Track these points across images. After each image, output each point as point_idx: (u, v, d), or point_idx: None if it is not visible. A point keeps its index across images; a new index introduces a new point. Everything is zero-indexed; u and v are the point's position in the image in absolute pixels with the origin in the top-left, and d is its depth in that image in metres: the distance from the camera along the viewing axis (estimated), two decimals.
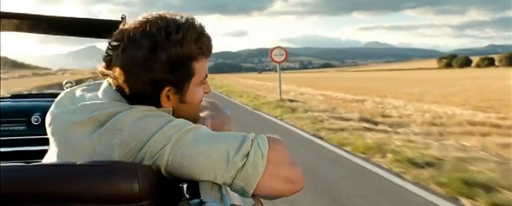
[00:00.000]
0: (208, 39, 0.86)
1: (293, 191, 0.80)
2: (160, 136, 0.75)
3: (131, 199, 0.67)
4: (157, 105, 0.84)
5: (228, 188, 0.86)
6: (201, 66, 0.86)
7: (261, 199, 0.91)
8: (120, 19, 1.46)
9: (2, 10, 1.30)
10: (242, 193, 0.78)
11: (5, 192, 0.64)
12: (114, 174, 0.68)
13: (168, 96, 0.84)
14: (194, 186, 0.76)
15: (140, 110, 0.80)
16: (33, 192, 0.65)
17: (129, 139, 0.75)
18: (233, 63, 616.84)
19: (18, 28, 1.49)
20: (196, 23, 0.84)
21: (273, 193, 0.79)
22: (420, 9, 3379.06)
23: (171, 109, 0.85)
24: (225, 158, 0.76)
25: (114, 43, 0.81)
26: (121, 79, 0.81)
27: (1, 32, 1.47)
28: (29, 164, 0.70)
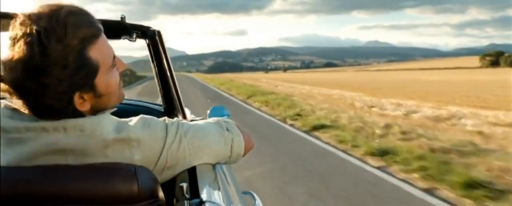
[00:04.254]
0: (83, 19, 0.74)
1: (252, 146, 1.01)
2: (171, 137, 0.83)
3: (131, 200, 0.67)
4: (73, 110, 0.75)
5: (227, 187, 0.87)
6: (101, 50, 0.76)
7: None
8: (119, 19, 1.46)
9: (2, 10, 1.29)
10: (236, 158, 0.96)
11: (5, 192, 0.64)
12: (113, 175, 0.69)
13: (82, 98, 0.76)
14: (194, 186, 0.77)
15: (128, 119, 0.82)
16: (32, 193, 0.65)
17: (148, 152, 0.79)
18: (234, 63, 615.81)
19: None
20: (61, 12, 0.71)
21: (247, 151, 0.99)
22: (420, 8, 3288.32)
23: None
24: (221, 134, 0.92)
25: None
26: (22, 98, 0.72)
27: (1, 33, 1.47)
28: (28, 165, 0.70)
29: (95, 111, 0.79)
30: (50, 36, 0.69)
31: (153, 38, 1.42)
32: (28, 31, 0.69)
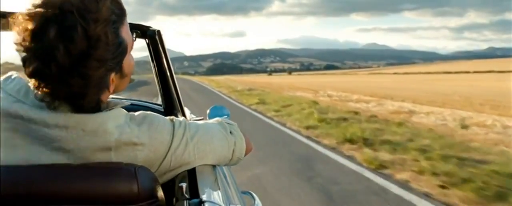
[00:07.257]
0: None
1: (251, 148, 1.00)
2: (177, 140, 0.81)
3: (131, 200, 0.67)
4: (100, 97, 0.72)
5: (227, 187, 0.87)
6: (127, 29, 0.73)
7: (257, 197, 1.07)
8: None
9: (2, 10, 1.29)
10: (236, 161, 0.95)
11: (5, 192, 0.64)
12: (113, 175, 0.68)
13: (112, 80, 0.72)
14: (194, 186, 0.77)
15: (136, 117, 0.79)
16: (33, 193, 0.65)
17: (152, 155, 0.78)
18: (232, 64, 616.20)
19: None
20: None
21: (246, 154, 0.98)
22: (419, 11, 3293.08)
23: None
24: (225, 138, 0.91)
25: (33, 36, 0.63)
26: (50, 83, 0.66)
27: (1, 32, 1.47)
28: (28, 165, 0.69)
29: (114, 93, 0.77)
30: (85, 15, 0.63)
31: (153, 38, 1.41)
32: (54, 16, 0.62)
